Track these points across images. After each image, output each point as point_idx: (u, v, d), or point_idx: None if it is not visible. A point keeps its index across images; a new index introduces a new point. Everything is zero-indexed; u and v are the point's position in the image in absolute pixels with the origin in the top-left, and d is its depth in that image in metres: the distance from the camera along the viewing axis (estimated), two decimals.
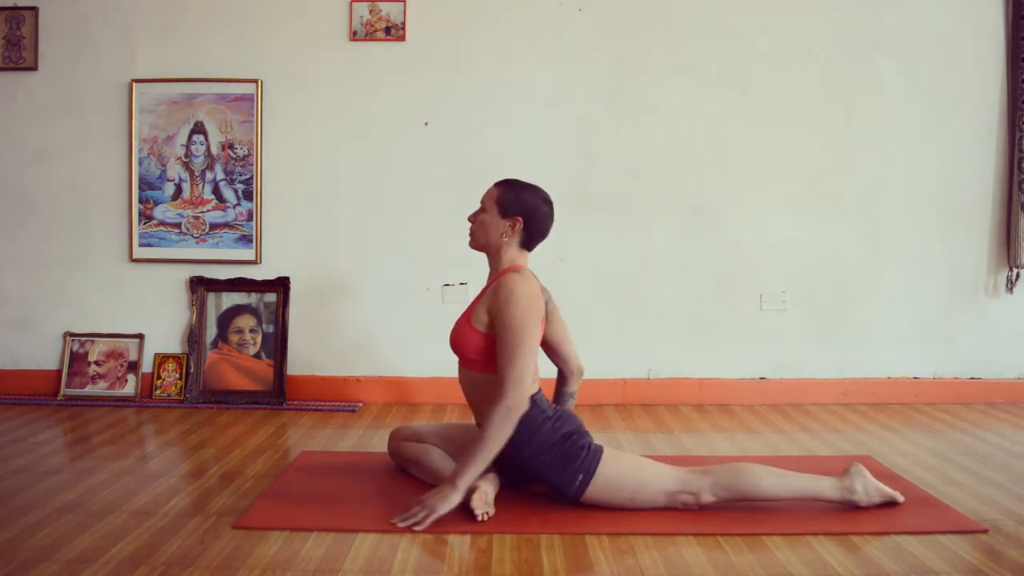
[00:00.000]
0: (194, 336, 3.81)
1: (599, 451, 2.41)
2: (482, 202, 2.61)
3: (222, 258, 3.84)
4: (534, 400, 2.44)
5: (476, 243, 2.62)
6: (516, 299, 2.41)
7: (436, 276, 3.83)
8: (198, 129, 3.82)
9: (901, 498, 2.43)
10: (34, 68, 3.82)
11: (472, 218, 2.62)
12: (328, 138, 3.82)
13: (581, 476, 2.37)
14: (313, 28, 3.80)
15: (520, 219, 2.53)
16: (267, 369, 3.79)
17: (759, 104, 3.81)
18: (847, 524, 2.31)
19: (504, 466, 2.52)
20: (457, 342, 2.54)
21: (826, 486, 2.40)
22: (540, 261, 3.54)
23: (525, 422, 2.40)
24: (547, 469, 2.40)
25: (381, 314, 3.84)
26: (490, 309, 2.45)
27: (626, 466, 2.41)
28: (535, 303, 2.44)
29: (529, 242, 2.58)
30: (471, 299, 3.70)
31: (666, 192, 3.82)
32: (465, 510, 2.35)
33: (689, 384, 3.84)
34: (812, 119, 3.82)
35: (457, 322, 2.57)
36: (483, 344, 2.46)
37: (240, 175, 3.83)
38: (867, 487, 2.41)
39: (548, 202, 2.59)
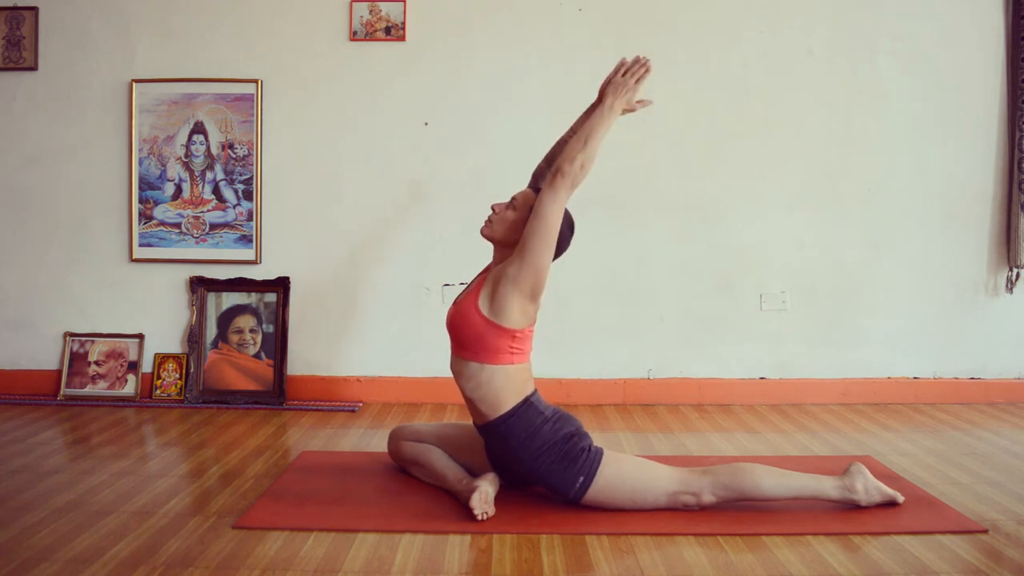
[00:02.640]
0: (194, 336, 3.81)
1: (599, 453, 2.41)
2: (514, 198, 2.55)
3: (222, 258, 3.84)
4: (530, 402, 2.43)
5: (491, 233, 2.56)
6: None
7: (436, 276, 3.83)
8: (198, 129, 3.82)
9: (901, 498, 2.43)
10: (34, 68, 3.82)
11: (497, 208, 2.56)
12: (328, 138, 3.82)
13: (582, 478, 2.36)
14: (313, 28, 3.80)
15: None
16: (267, 369, 3.79)
17: (759, 104, 3.81)
18: (847, 524, 2.31)
19: (503, 469, 2.51)
20: (457, 325, 2.48)
21: (827, 486, 2.40)
22: None
23: (523, 425, 2.40)
24: (547, 471, 2.39)
25: (381, 314, 3.84)
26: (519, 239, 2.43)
27: (626, 468, 2.40)
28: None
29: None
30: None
31: (666, 192, 3.82)
32: (465, 510, 2.35)
33: (689, 384, 3.84)
34: (812, 119, 3.82)
35: (461, 303, 2.51)
36: (483, 331, 2.42)
37: (240, 175, 3.83)
38: (867, 486, 2.41)
39: (572, 228, 2.55)
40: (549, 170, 2.54)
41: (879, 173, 3.84)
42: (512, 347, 2.43)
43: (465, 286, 3.78)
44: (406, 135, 3.81)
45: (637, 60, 2.49)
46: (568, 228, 2.53)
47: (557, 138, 2.71)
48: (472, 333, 2.43)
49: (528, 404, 2.43)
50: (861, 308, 3.86)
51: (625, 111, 2.50)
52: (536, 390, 2.50)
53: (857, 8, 3.80)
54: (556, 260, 2.53)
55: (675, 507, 2.39)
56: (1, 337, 3.88)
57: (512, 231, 2.51)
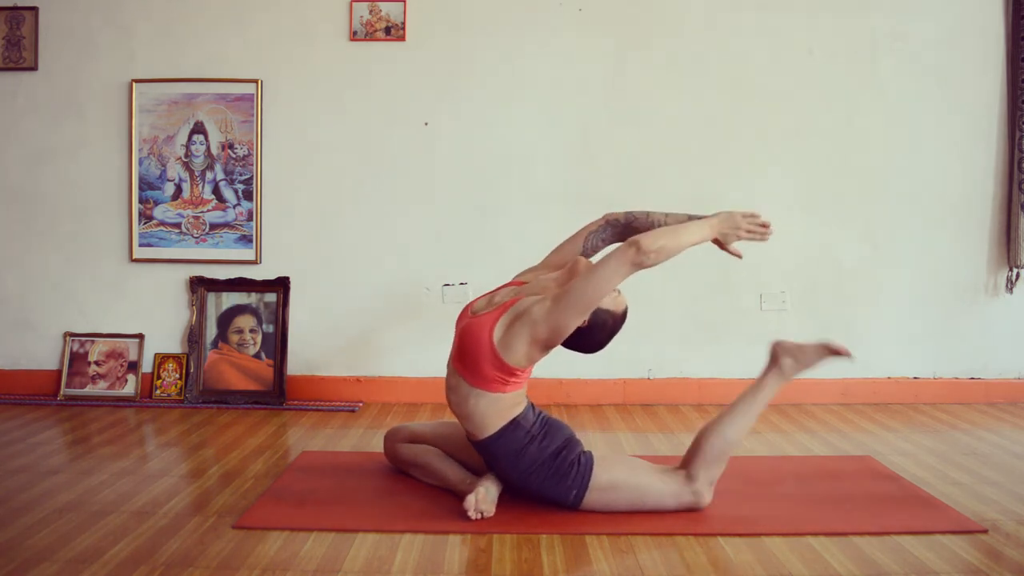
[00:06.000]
0: (194, 336, 3.81)
1: (590, 463, 2.38)
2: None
3: (222, 258, 3.84)
4: (517, 422, 2.37)
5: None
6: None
7: (436, 276, 3.83)
8: (198, 129, 3.82)
9: (838, 345, 2.54)
10: (34, 68, 3.82)
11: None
12: (328, 138, 3.82)
13: (575, 491, 2.36)
14: (313, 28, 3.80)
15: (587, 323, 2.36)
16: (267, 369, 3.79)
17: (759, 104, 3.81)
18: (847, 524, 2.32)
19: (499, 477, 2.50)
20: (467, 339, 2.36)
21: (770, 384, 2.53)
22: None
23: (509, 446, 2.37)
24: (539, 487, 2.38)
25: (381, 314, 3.84)
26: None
27: (618, 473, 2.39)
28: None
29: (572, 340, 2.40)
30: (471, 298, 3.74)
31: (666, 192, 3.81)
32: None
33: (689, 384, 3.84)
34: (812, 119, 3.82)
35: (479, 319, 2.37)
36: (486, 357, 2.32)
37: (240, 175, 3.83)
38: (797, 356, 2.53)
39: (613, 333, 2.43)
40: (626, 234, 2.58)
41: (879, 173, 3.84)
42: (506, 379, 2.34)
43: (465, 286, 3.81)
44: (406, 135, 3.81)
45: (764, 224, 2.48)
46: (610, 329, 2.42)
47: (648, 210, 2.65)
48: (474, 352, 2.33)
49: (515, 425, 2.37)
50: (861, 308, 3.86)
51: (715, 241, 2.45)
52: (528, 406, 2.44)
53: (857, 8, 3.80)
54: (572, 349, 2.45)
55: (680, 509, 2.40)
56: (1, 337, 3.88)
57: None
